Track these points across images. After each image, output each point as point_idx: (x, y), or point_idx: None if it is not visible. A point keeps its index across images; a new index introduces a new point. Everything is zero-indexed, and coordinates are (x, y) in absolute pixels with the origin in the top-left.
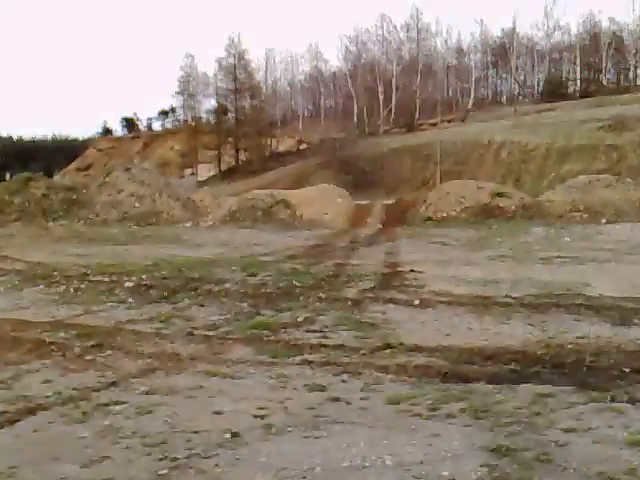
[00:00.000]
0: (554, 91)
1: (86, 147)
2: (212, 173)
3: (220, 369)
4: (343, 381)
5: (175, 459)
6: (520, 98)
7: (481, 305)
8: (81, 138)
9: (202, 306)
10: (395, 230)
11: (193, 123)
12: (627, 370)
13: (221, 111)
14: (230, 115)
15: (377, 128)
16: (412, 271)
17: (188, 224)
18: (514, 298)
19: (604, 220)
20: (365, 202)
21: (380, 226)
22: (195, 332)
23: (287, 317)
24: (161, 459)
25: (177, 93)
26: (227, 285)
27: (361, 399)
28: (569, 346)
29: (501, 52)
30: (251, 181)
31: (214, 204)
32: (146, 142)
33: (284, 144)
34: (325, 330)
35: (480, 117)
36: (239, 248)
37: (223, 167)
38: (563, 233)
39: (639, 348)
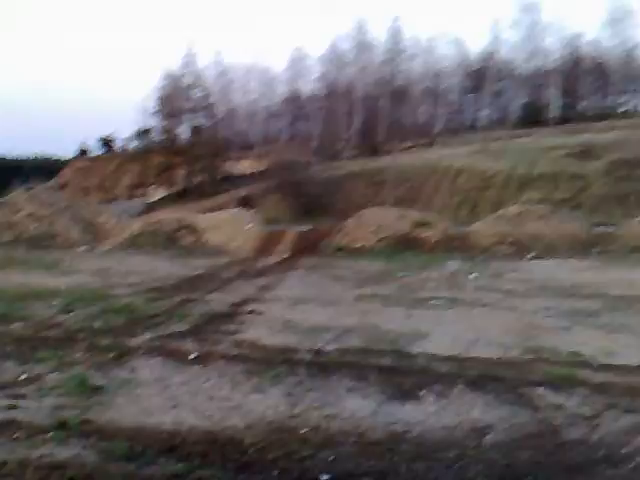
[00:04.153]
0: (531, 117)
1: None
2: (164, 194)
3: None
4: None
5: None
6: (498, 124)
7: (266, 363)
8: (64, 158)
9: None
10: (299, 261)
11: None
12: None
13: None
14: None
15: (339, 152)
16: (251, 312)
17: (82, 248)
18: (316, 354)
19: (530, 255)
20: (279, 228)
21: (287, 255)
22: None
23: (12, 374)
24: None
25: (154, 113)
26: (14, 325)
27: None
28: (301, 431)
29: (479, 76)
30: (203, 203)
31: (117, 228)
32: (120, 162)
33: (242, 166)
34: (29, 395)
35: (449, 143)
36: (109, 277)
37: (176, 188)
38: (477, 269)
39: (380, 437)
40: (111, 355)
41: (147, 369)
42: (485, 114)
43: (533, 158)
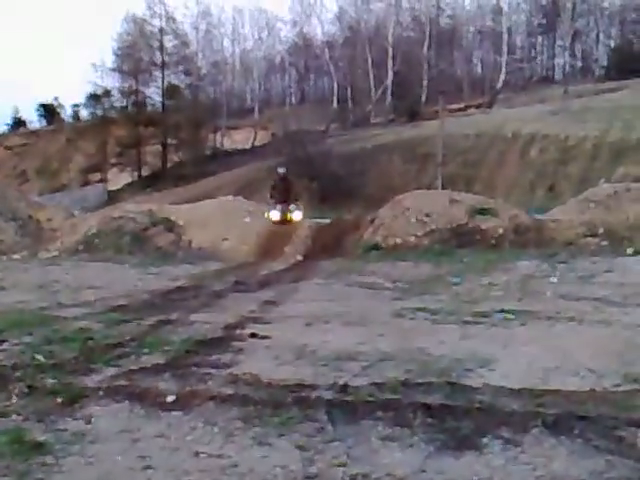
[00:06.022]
0: (624, 65)
1: None
2: (130, 179)
3: None
4: None
5: None
6: (580, 76)
7: (271, 405)
8: None
9: None
10: (317, 265)
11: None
12: None
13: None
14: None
15: (366, 117)
16: (252, 336)
17: (18, 255)
18: (341, 391)
19: (631, 250)
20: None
21: (300, 258)
22: None
23: None
24: None
25: (113, 69)
26: None
27: None
28: None
29: (553, 11)
30: (182, 190)
31: (67, 226)
32: (69, 137)
33: (236, 139)
34: None
35: (515, 101)
36: (58, 293)
37: (146, 171)
38: (559, 270)
39: None
40: (59, 400)
41: (108, 418)
42: (562, 62)
43: (629, 120)
